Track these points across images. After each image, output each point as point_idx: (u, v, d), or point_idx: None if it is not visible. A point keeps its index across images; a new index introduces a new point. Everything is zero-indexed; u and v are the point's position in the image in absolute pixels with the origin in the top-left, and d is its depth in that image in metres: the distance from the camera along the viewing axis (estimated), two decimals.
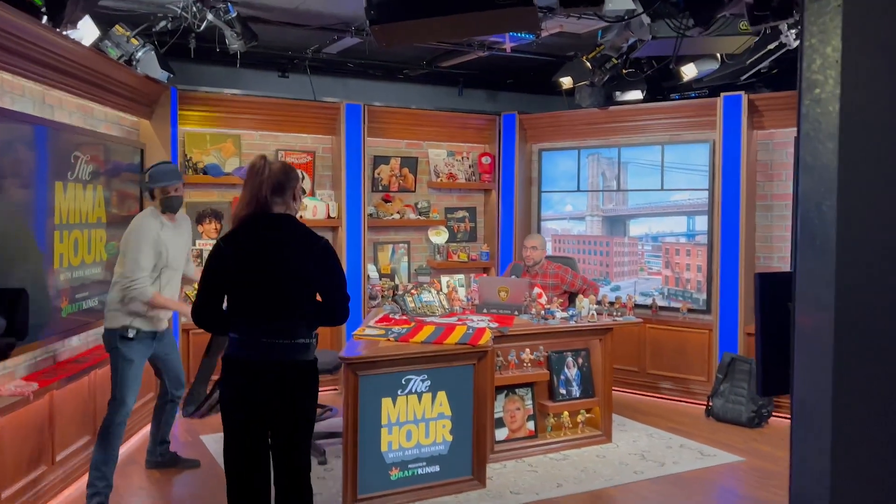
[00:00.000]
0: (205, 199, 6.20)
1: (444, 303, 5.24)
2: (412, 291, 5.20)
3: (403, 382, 4.07)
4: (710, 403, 5.81)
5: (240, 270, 2.86)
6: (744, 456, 4.90)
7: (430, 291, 5.26)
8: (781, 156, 5.95)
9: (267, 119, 6.32)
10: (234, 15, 4.92)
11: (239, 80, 6.59)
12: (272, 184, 2.88)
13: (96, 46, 4.63)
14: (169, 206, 4.19)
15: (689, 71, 5.37)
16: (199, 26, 4.94)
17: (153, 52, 5.06)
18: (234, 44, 5.05)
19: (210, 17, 4.88)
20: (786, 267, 5.93)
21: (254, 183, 2.88)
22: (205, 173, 6.08)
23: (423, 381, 4.12)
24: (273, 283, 2.86)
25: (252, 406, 2.86)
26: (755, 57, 4.82)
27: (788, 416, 5.28)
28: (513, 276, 5.54)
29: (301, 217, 6.27)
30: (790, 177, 5.87)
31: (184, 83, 5.97)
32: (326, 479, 4.42)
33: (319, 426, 5.27)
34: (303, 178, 6.49)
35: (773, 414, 5.69)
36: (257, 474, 2.90)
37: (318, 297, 2.96)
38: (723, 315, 6.01)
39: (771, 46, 4.69)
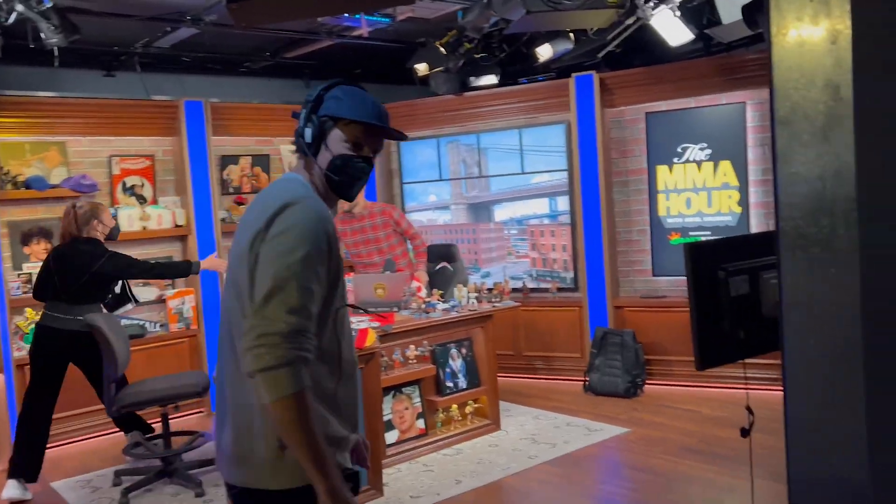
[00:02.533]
0: (30, 217, 5.47)
1: None
2: None
3: None
4: (587, 379, 5.92)
5: None
6: (628, 426, 5.00)
7: None
8: (633, 132, 6.14)
9: (96, 122, 5.68)
10: (50, 5, 4.32)
11: (57, 82, 5.86)
12: None
13: None
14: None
15: (544, 52, 5.39)
16: (6, 19, 4.29)
17: None
18: (53, 38, 4.43)
19: (20, 7, 4.26)
20: (645, 240, 6.14)
21: None
22: (27, 187, 5.36)
23: None
24: None
25: None
26: (614, 33, 4.90)
27: (660, 381, 5.47)
28: (387, 272, 5.33)
29: (144, 228, 5.75)
30: (643, 151, 6.07)
31: None
32: None
33: (190, 455, 4.81)
34: (142, 184, 5.93)
35: (647, 382, 5.88)
36: None
37: None
38: (591, 291, 6.13)
39: (629, 21, 4.78)
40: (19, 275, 5.34)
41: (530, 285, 6.56)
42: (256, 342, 1.56)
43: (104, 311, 4.58)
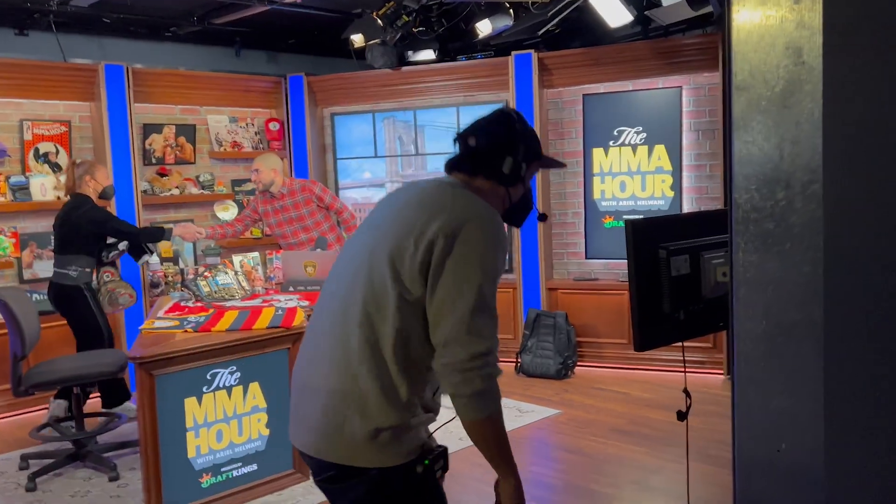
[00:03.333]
0: None
1: (244, 283, 4.74)
2: (205, 275, 4.64)
3: (209, 378, 3.57)
4: (520, 360, 5.89)
5: None
6: (559, 408, 4.99)
7: (225, 272, 4.72)
8: (571, 113, 6.11)
9: (6, 84, 5.28)
10: None
11: None
12: None
13: None
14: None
15: (483, 27, 5.27)
16: None
17: None
18: None
19: None
20: (580, 222, 6.14)
21: None
22: None
23: (231, 373, 3.64)
24: None
25: None
26: (554, 10, 4.82)
27: (591, 364, 5.45)
28: (318, 250, 5.16)
29: (59, 198, 5.43)
30: (580, 133, 6.05)
31: None
32: (122, 496, 3.81)
33: (105, 437, 4.58)
34: (57, 151, 5.59)
35: (578, 364, 5.90)
36: None
37: None
38: (525, 273, 6.10)
39: (569, 0, 4.71)
40: None
41: None
42: (470, 364, 1.58)
43: (107, 264, 4.81)
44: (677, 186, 5.72)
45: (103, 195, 4.85)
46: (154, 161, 6.16)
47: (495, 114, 1.86)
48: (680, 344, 1.93)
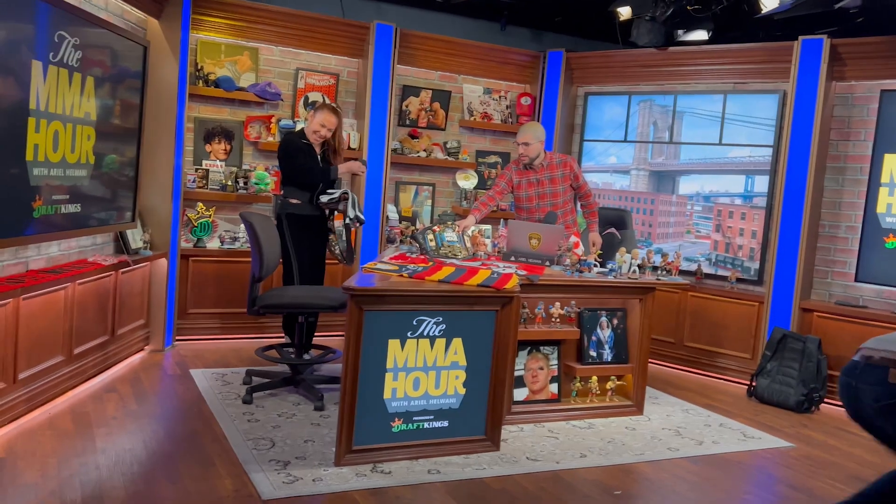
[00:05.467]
0: (214, 116, 5.67)
1: (469, 245, 4.69)
2: (434, 229, 4.65)
3: (415, 324, 3.53)
4: (755, 383, 5.22)
5: None
6: (793, 441, 4.32)
7: (453, 231, 4.71)
8: (862, 112, 5.26)
9: (289, 34, 5.74)
10: None
11: None
12: None
13: None
14: None
15: (769, 1, 4.68)
16: None
17: None
18: None
19: None
20: (854, 238, 5.28)
21: None
22: (216, 86, 5.54)
23: (437, 323, 3.57)
24: None
25: None
26: None
27: (841, 402, 4.54)
28: (546, 224, 4.95)
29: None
30: (870, 136, 5.19)
31: None
32: (321, 425, 3.93)
33: (319, 370, 4.80)
34: (324, 101, 5.95)
35: (825, 400, 5.09)
36: None
37: None
38: (777, 287, 5.38)
39: None
40: (197, 170, 5.55)
41: (707, 270, 5.90)
42: None
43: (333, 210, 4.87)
44: None
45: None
46: (408, 123, 6.36)
47: None
48: None
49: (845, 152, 5.33)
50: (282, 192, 4.88)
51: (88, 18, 4.05)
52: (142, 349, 5.09)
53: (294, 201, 4.80)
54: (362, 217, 4.94)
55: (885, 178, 5.08)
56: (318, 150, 4.86)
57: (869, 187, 5.15)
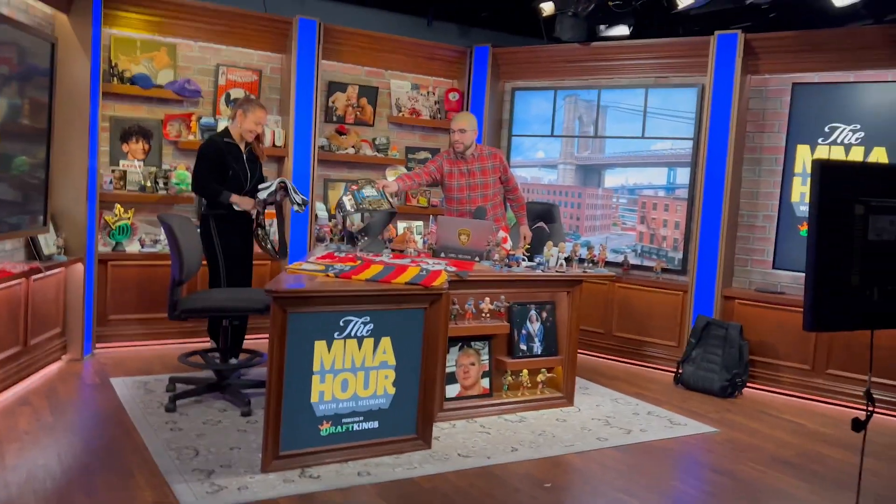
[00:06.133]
0: (131, 115, 5.46)
1: (392, 200, 4.67)
2: (352, 187, 4.60)
3: (342, 324, 3.47)
4: (681, 370, 5.35)
5: None
6: (717, 427, 4.44)
7: (372, 187, 4.64)
8: (775, 104, 5.44)
9: (208, 28, 5.58)
10: None
11: None
12: None
13: None
14: None
15: None
16: None
17: None
18: None
19: None
20: (771, 227, 5.46)
21: None
22: (132, 83, 5.34)
23: (364, 323, 3.53)
24: None
25: None
26: None
27: (764, 387, 4.70)
28: (476, 220, 4.95)
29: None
30: (783, 127, 5.37)
31: None
32: (248, 431, 3.84)
33: (247, 375, 4.69)
34: (248, 97, 5.80)
35: (748, 384, 5.26)
36: None
37: None
38: (700, 276, 5.53)
39: None
40: (114, 171, 5.35)
41: (633, 261, 6.01)
42: None
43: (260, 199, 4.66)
44: None
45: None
46: (335, 119, 6.27)
47: None
48: (870, 353, 1.49)
49: (761, 144, 5.51)
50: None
51: None
52: (59, 359, 4.87)
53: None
54: (307, 199, 4.88)
55: (797, 168, 5.27)
56: (243, 148, 4.73)
57: (783, 177, 5.34)
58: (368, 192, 4.52)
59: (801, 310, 4.61)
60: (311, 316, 3.41)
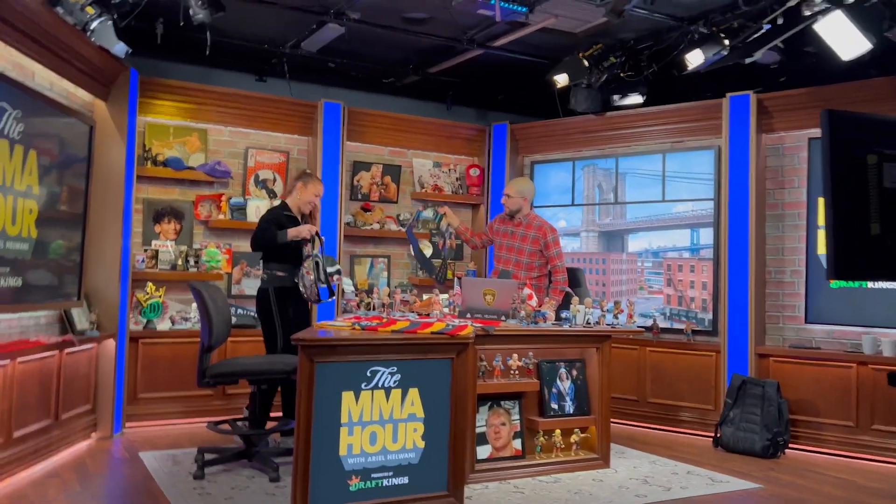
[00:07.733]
0: (163, 196, 5.67)
1: (443, 229, 5.38)
2: (438, 210, 5.36)
3: (368, 374, 3.46)
4: (719, 432, 5.18)
5: None
6: (761, 483, 4.26)
7: (434, 210, 5.59)
8: (793, 161, 5.50)
9: (237, 114, 5.85)
10: None
11: (212, 81, 6.11)
12: None
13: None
14: None
15: (694, 59, 4.95)
16: None
17: (111, 24, 4.61)
18: (199, 14, 4.61)
19: None
20: (800, 282, 5.40)
21: None
22: (165, 166, 5.57)
23: (391, 374, 3.51)
24: None
25: None
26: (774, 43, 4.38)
27: (807, 446, 4.48)
28: (499, 279, 4.97)
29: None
30: (803, 183, 5.41)
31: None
32: (276, 495, 3.76)
33: (277, 443, 4.63)
34: (274, 179, 6.02)
35: (790, 445, 5.06)
36: None
37: None
38: (731, 335, 5.44)
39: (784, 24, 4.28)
40: (146, 250, 5.49)
41: (662, 325, 5.94)
42: None
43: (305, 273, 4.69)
44: None
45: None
46: (360, 197, 6.44)
47: None
48: None
49: (782, 199, 5.53)
50: (265, 269, 4.80)
51: (33, 95, 4.09)
52: (88, 437, 4.86)
53: (280, 274, 4.74)
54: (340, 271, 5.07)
55: (821, 221, 5.25)
56: (300, 220, 4.90)
57: (808, 231, 5.32)
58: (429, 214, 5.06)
59: (840, 365, 4.47)
60: (338, 366, 3.41)
